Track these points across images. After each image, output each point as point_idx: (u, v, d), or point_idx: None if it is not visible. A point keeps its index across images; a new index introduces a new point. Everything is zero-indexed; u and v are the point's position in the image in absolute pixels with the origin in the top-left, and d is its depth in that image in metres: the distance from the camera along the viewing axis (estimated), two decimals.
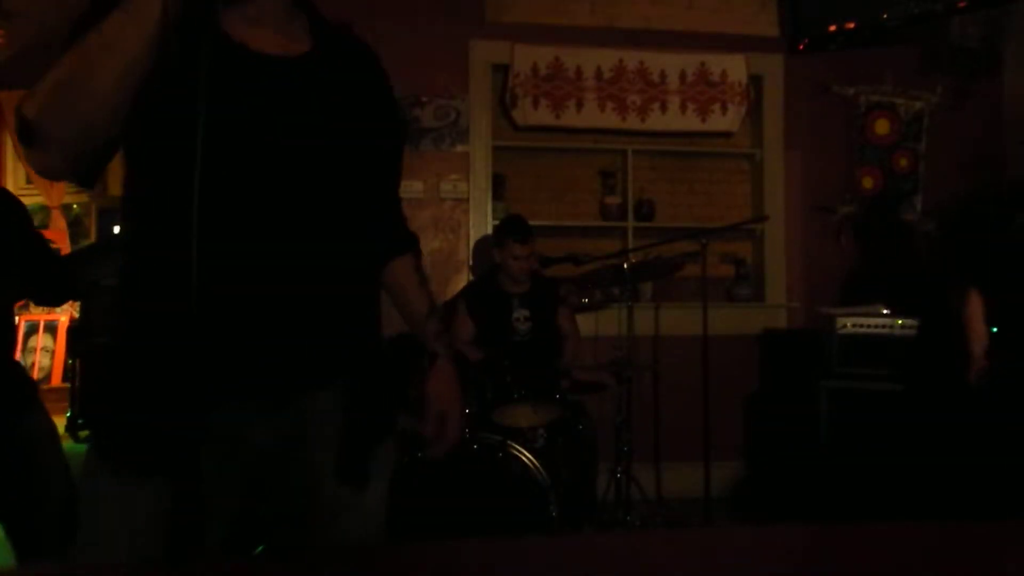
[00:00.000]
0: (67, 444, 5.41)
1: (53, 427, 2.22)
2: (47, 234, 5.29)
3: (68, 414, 5.64)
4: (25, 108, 1.00)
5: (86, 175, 1.11)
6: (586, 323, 4.15)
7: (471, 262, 4.18)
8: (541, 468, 2.74)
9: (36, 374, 6.11)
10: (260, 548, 1.74)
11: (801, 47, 4.34)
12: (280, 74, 1.14)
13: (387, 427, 1.31)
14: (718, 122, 4.31)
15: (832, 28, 4.15)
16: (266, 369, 1.13)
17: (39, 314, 5.60)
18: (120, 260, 1.17)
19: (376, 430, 1.27)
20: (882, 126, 4.49)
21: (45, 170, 1.08)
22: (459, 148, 4.17)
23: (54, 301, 2.47)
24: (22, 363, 2.32)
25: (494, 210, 4.19)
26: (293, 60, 1.16)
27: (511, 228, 3.50)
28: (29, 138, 1.01)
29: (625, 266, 3.51)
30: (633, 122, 4.27)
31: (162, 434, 1.06)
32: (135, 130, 1.07)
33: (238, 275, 1.10)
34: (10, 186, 5.54)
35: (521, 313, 3.49)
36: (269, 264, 1.12)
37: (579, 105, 4.22)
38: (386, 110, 1.32)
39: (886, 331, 3.56)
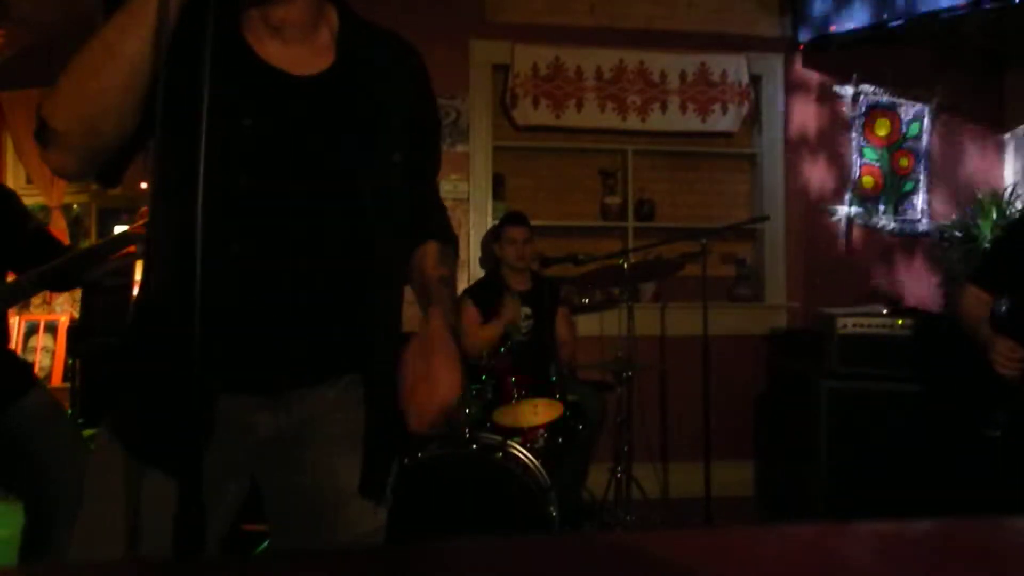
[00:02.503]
0: None
1: (56, 402, 2.29)
2: None
3: (68, 414, 5.64)
4: (43, 108, 1.03)
5: (106, 175, 1.12)
6: (588, 323, 4.15)
7: (480, 256, 4.18)
8: (541, 468, 2.74)
9: (35, 372, 6.09)
10: (261, 547, 1.74)
11: (801, 47, 4.34)
12: (297, 93, 1.13)
13: (403, 439, 1.28)
14: (718, 122, 4.32)
15: (832, 28, 4.15)
16: (268, 360, 1.14)
17: (39, 314, 5.60)
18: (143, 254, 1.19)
19: (396, 445, 1.26)
20: (882, 126, 4.49)
21: (59, 169, 1.10)
22: (459, 148, 4.17)
23: (60, 285, 2.48)
24: (16, 354, 2.37)
25: (494, 210, 4.19)
26: (311, 79, 1.14)
27: (506, 216, 3.63)
28: (44, 138, 1.02)
29: (625, 266, 3.52)
30: (633, 122, 4.27)
31: (167, 429, 1.07)
32: (160, 130, 1.08)
33: (246, 273, 1.10)
34: (10, 186, 5.53)
35: (523, 311, 3.51)
36: (277, 265, 1.12)
37: (579, 105, 4.22)
38: (416, 112, 1.27)
39: (886, 331, 3.56)
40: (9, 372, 2.23)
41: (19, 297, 2.27)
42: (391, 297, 1.28)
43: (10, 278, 2.29)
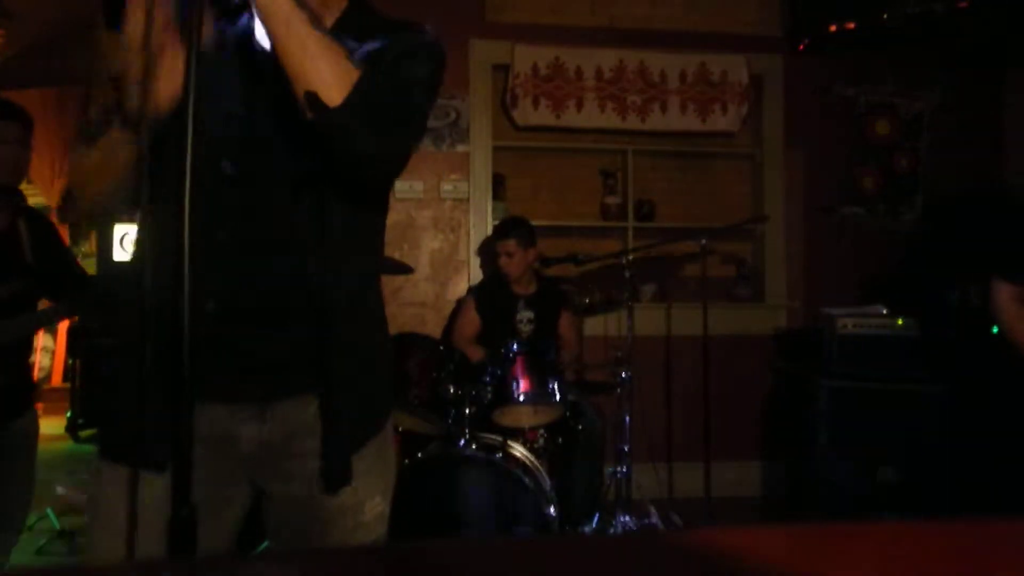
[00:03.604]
0: (67, 444, 5.42)
1: (37, 431, 2.39)
2: None
3: (68, 414, 5.64)
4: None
5: (133, 203, 1.17)
6: (592, 323, 4.16)
7: (480, 262, 4.18)
8: (541, 468, 2.74)
9: (36, 374, 6.10)
10: (262, 546, 1.74)
11: (801, 47, 4.34)
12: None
13: (366, 432, 1.24)
14: (718, 122, 4.31)
15: (832, 28, 4.15)
16: (244, 369, 1.14)
17: None
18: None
19: (354, 434, 1.21)
20: (882, 126, 4.49)
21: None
22: (459, 148, 4.17)
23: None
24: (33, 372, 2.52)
25: (494, 210, 4.19)
26: None
27: (494, 229, 3.63)
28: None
29: (625, 266, 3.52)
30: (633, 122, 4.27)
31: (151, 430, 1.08)
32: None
33: (231, 266, 1.10)
34: None
35: (525, 315, 3.51)
36: (259, 259, 1.12)
37: (579, 105, 4.22)
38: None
39: (886, 331, 3.56)
40: (25, 388, 2.34)
41: (44, 325, 2.41)
42: (363, 306, 1.25)
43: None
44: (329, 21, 1.17)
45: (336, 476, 1.17)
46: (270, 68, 1.06)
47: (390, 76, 1.12)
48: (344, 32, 1.16)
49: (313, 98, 1.01)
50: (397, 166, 1.16)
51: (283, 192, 1.13)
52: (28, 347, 2.38)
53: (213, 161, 1.09)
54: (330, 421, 1.16)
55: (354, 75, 1.03)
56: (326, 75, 1.01)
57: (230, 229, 1.10)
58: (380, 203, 1.30)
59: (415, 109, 1.15)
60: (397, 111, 1.11)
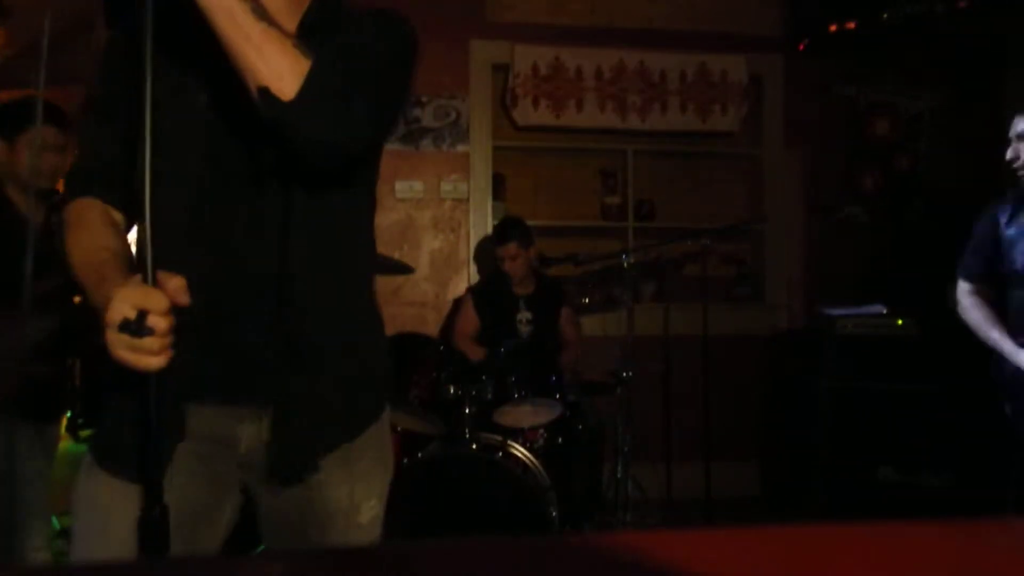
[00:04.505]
0: (67, 444, 5.42)
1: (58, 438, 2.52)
2: None
3: (68, 414, 5.63)
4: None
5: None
6: (591, 324, 4.15)
7: (479, 263, 4.18)
8: (541, 468, 2.74)
9: None
10: (260, 547, 1.73)
11: (801, 47, 4.34)
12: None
13: (346, 428, 1.21)
14: (718, 122, 4.31)
15: (832, 28, 4.15)
16: (241, 370, 1.14)
17: None
18: None
19: (328, 431, 1.19)
20: (882, 126, 4.49)
21: None
22: (459, 148, 4.17)
23: None
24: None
25: (494, 210, 4.19)
26: None
27: (494, 233, 3.64)
28: None
29: (625, 266, 3.52)
30: (633, 122, 4.27)
31: (132, 433, 1.08)
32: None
33: (209, 269, 1.10)
34: None
35: (524, 315, 3.51)
36: (237, 260, 1.12)
37: (579, 105, 4.22)
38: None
39: (886, 331, 3.56)
40: (65, 390, 2.49)
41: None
42: (358, 298, 1.25)
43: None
44: (296, 16, 1.15)
45: (288, 467, 1.15)
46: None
47: (348, 60, 1.07)
48: (313, 27, 1.15)
49: (266, 93, 0.98)
50: (360, 151, 1.13)
51: (259, 186, 1.12)
52: (68, 347, 2.41)
53: (181, 160, 1.09)
54: (289, 412, 1.14)
55: (305, 65, 1.00)
56: (276, 67, 0.98)
57: (216, 230, 1.11)
58: (363, 195, 1.27)
59: (377, 89, 1.10)
60: (357, 95, 1.06)
